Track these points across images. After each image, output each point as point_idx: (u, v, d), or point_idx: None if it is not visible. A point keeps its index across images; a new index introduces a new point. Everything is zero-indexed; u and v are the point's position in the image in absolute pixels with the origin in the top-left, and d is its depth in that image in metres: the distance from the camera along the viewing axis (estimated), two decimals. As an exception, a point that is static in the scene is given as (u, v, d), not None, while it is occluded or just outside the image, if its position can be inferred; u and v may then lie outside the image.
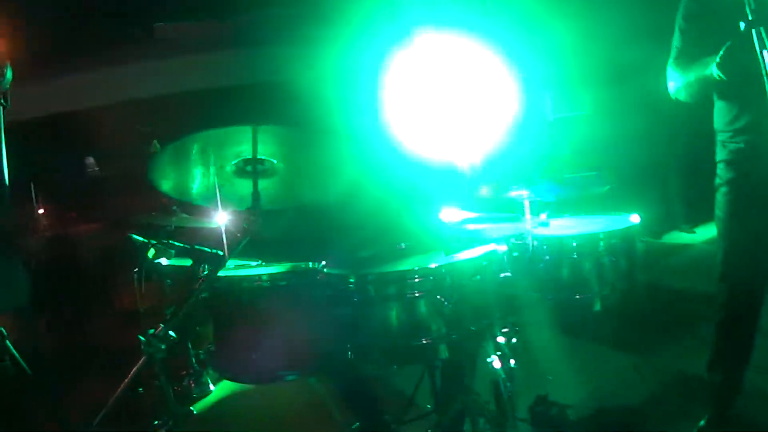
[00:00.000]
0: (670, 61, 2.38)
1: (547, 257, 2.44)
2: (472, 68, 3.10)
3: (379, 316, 2.11)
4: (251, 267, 2.95)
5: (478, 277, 2.17)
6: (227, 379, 2.70)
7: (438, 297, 2.06)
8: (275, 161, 2.33)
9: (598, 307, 2.45)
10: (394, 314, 2.10)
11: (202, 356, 3.16)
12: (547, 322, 2.84)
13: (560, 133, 5.51)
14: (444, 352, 2.11)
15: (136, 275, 2.92)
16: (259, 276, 2.55)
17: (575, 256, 2.46)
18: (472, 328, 2.16)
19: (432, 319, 2.09)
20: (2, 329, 2.22)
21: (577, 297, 2.47)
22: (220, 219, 2.58)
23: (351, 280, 2.14)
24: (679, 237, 5.88)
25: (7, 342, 2.23)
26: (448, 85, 3.06)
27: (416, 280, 2.07)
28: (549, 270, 2.44)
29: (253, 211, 2.20)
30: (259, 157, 2.26)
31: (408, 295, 2.08)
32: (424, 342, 2.09)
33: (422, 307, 2.08)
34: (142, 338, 2.05)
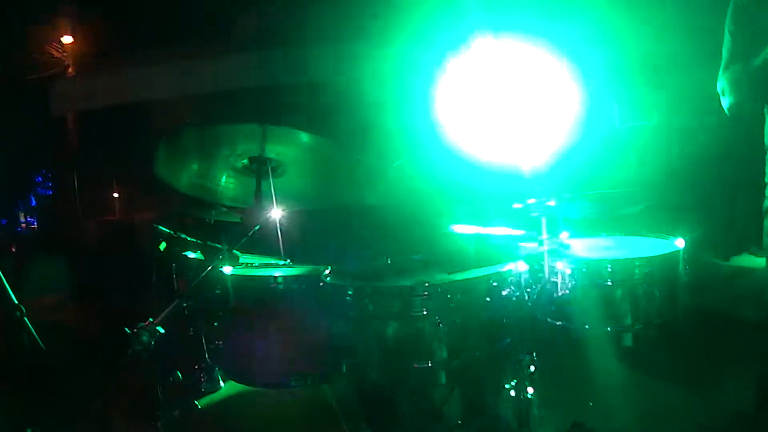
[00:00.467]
0: (720, 72, 2.12)
1: (574, 282, 2.19)
2: (530, 72, 2.91)
3: (374, 333, 1.97)
4: (278, 266, 2.90)
5: (488, 298, 1.99)
6: (231, 378, 2.65)
7: (437, 318, 1.89)
8: (285, 161, 2.25)
9: (629, 342, 2.20)
10: (389, 332, 1.94)
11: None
12: (592, 345, 2.60)
13: (627, 143, 5.14)
14: (443, 379, 1.94)
15: (154, 265, 2.92)
16: (269, 277, 2.48)
17: (609, 283, 2.20)
18: (478, 354, 1.98)
19: (431, 342, 1.92)
20: (21, 306, 2.25)
21: (608, 329, 2.22)
22: (275, 214, 2.53)
23: (349, 292, 2.01)
24: (748, 260, 5.38)
25: (25, 319, 2.26)
26: (505, 89, 2.88)
27: (414, 297, 1.90)
28: (575, 297, 2.20)
29: (255, 209, 2.13)
30: (270, 157, 2.19)
31: (406, 313, 1.92)
32: (420, 366, 1.93)
33: (420, 328, 1.91)
34: (128, 331, 2.01)
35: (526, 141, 2.77)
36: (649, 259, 2.20)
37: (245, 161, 2.23)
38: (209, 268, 2.21)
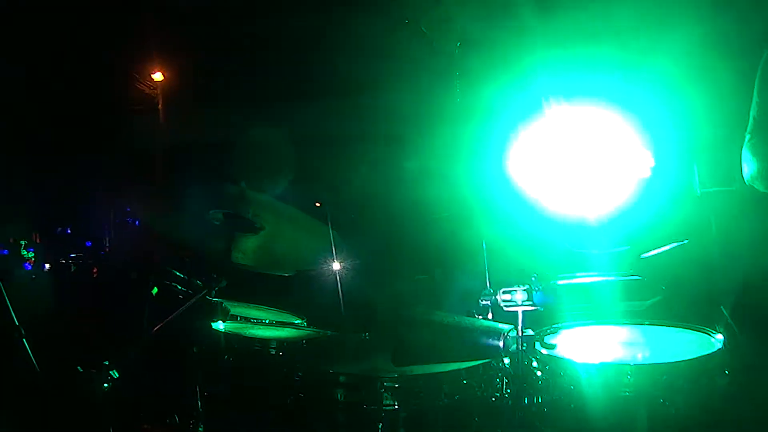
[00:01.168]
0: (746, 138, 1.77)
1: (572, 387, 1.80)
2: (599, 133, 2.68)
3: (323, 422, 1.73)
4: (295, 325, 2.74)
5: (456, 397, 1.69)
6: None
7: (394, 415, 1.61)
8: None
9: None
10: (337, 423, 1.70)
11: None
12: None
13: (707, 210, 4.58)
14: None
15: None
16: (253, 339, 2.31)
17: (627, 393, 1.76)
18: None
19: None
20: (21, 328, 2.23)
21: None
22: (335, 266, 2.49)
23: (299, 374, 1.78)
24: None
25: (24, 341, 2.23)
26: (572, 150, 2.66)
27: (362, 389, 1.64)
28: (574, 404, 1.79)
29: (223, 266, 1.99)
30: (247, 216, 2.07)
31: (353, 406, 1.66)
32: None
33: (369, 426, 1.65)
34: (80, 370, 1.89)
35: (587, 203, 2.51)
36: (675, 365, 1.78)
37: (220, 215, 2.12)
38: (171, 316, 2.08)
